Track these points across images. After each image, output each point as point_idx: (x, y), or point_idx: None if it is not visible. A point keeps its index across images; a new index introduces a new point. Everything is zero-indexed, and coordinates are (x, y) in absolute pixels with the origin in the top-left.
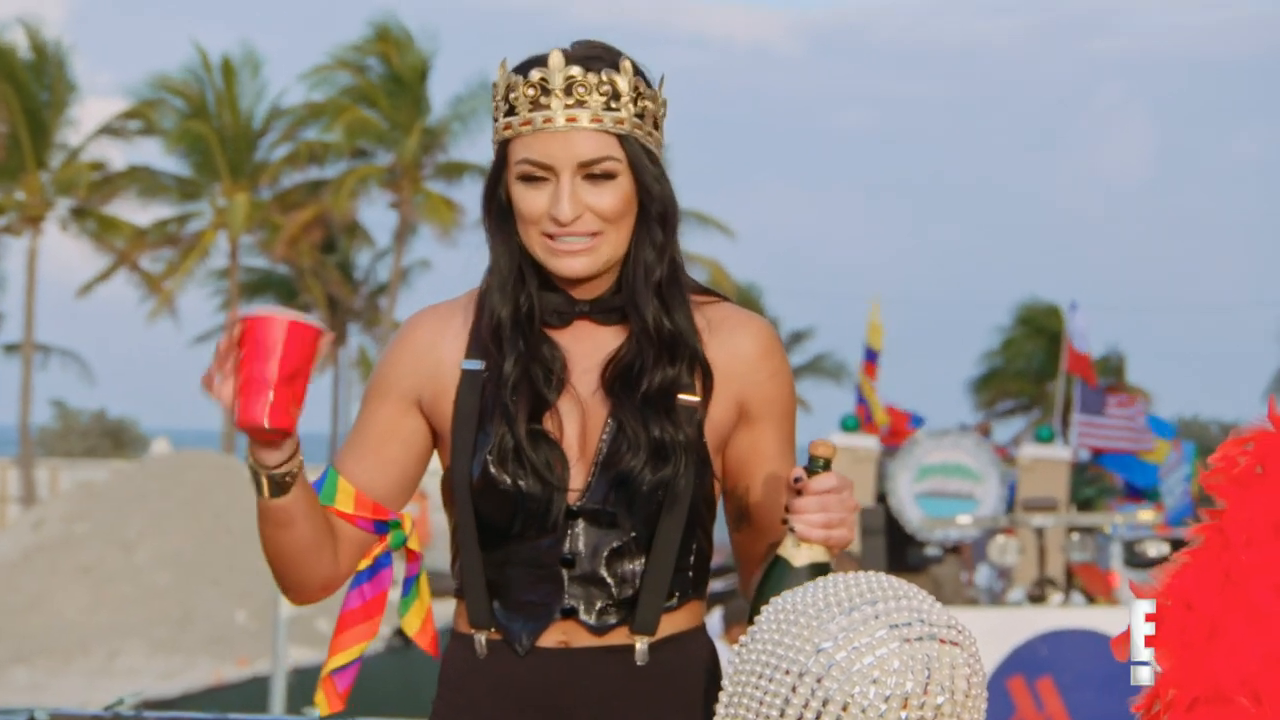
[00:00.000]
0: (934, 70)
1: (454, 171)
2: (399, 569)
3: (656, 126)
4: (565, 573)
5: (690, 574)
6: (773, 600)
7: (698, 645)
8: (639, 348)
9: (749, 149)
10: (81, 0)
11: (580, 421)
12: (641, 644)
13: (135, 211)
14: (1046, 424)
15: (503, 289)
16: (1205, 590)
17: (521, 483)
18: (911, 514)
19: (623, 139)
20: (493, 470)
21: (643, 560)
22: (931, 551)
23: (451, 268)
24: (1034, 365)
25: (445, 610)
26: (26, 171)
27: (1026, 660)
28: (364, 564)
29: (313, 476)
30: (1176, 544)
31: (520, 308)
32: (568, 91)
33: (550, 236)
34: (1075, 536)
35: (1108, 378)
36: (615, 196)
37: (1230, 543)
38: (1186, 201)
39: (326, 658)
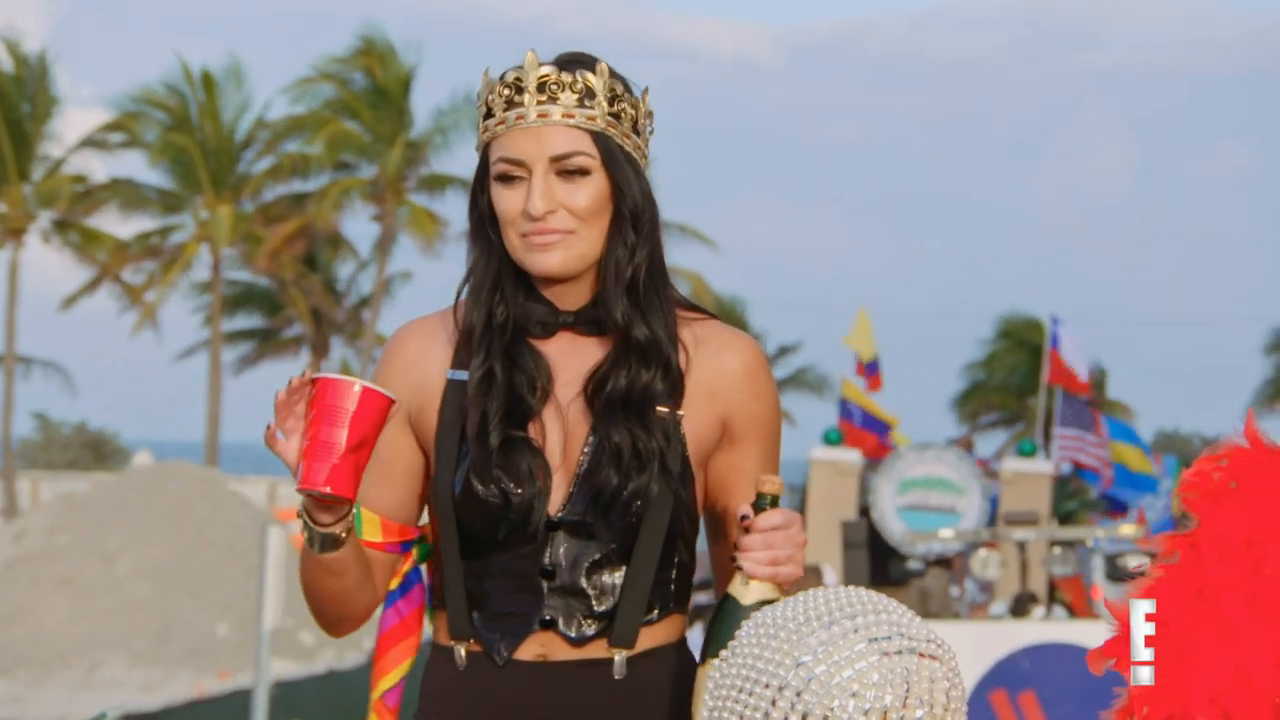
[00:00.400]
0: (918, 84)
1: (437, 184)
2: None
3: (637, 132)
4: (545, 584)
5: (671, 587)
6: (754, 615)
7: (678, 659)
8: (617, 357)
9: (733, 161)
10: (64, 12)
11: (562, 432)
12: (620, 657)
13: (117, 224)
14: (1028, 438)
15: (476, 295)
16: (1178, 606)
17: (504, 489)
18: (894, 527)
19: (596, 136)
20: (475, 477)
21: (622, 572)
22: (914, 565)
23: (434, 280)
24: (1016, 379)
25: None
26: (8, 183)
27: (1009, 674)
28: (394, 583)
29: (293, 487)
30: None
31: (495, 314)
32: (540, 89)
33: (525, 235)
34: (1057, 550)
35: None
36: (588, 193)
37: (1203, 558)
38: (1168, 216)
39: (373, 680)
